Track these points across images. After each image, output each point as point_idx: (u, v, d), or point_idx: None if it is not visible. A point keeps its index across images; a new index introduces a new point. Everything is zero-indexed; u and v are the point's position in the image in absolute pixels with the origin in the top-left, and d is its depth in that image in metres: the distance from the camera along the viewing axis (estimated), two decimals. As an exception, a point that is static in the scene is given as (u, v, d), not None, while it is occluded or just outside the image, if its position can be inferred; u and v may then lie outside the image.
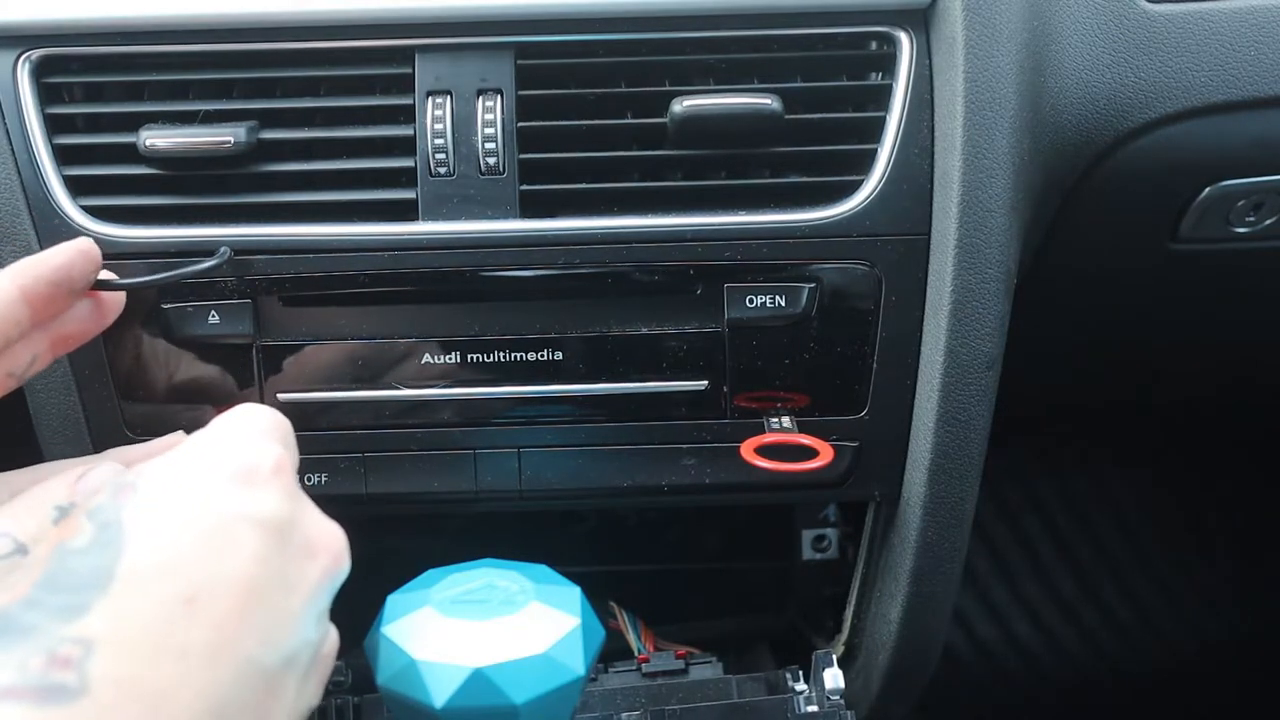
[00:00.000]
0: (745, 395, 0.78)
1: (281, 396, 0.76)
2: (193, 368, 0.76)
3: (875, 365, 0.77)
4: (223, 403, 0.76)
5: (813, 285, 0.76)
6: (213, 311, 0.74)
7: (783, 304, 0.76)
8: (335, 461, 0.78)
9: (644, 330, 0.77)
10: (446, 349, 0.77)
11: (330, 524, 0.53)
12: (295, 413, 0.76)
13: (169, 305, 0.74)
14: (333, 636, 0.55)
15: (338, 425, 0.78)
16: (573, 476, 0.79)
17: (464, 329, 0.77)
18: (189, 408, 0.76)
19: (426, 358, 0.77)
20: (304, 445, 0.77)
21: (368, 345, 0.76)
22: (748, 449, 0.75)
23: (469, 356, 0.77)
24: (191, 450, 0.50)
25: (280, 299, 0.75)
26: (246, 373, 0.76)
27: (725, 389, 0.77)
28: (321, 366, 0.77)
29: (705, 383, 0.77)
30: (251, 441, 0.51)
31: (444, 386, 0.77)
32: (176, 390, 0.76)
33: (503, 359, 0.77)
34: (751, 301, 0.76)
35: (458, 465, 0.78)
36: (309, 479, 0.78)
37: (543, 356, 0.77)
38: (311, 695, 0.52)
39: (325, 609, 0.51)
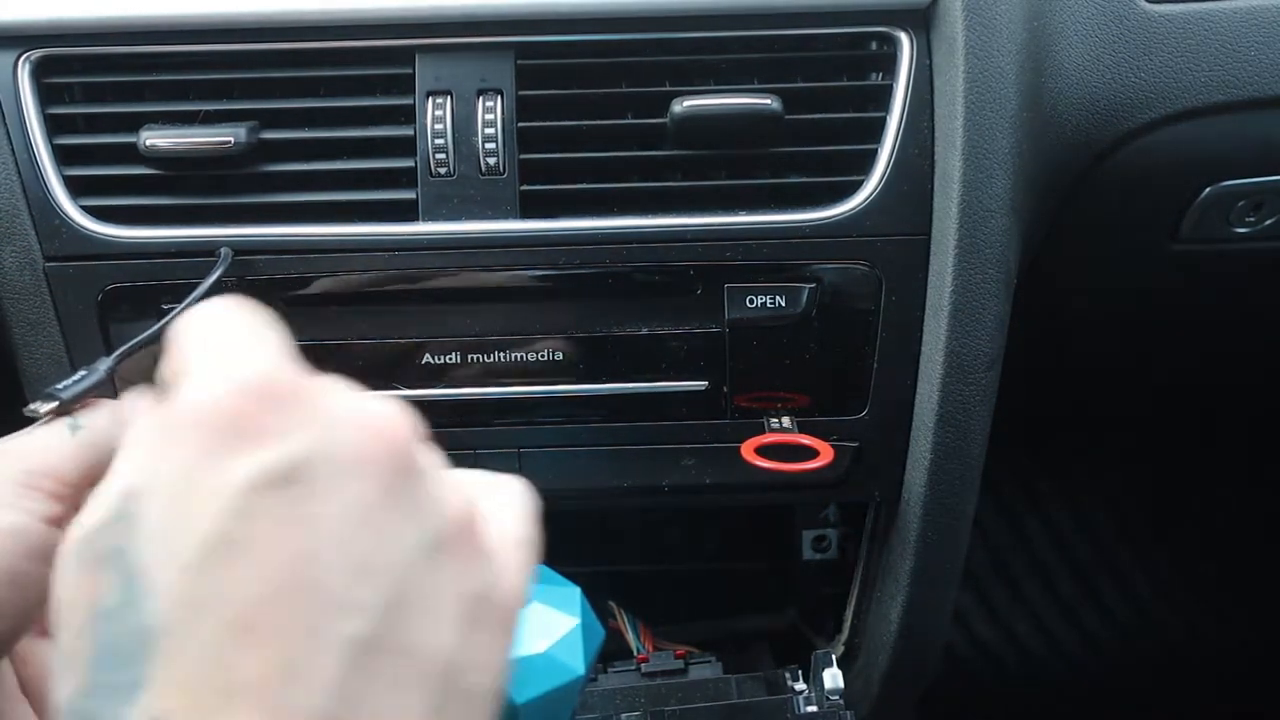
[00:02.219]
0: (745, 395, 0.78)
1: None
2: None
3: (875, 365, 0.77)
4: None
5: (813, 286, 0.76)
6: None
7: (783, 304, 0.76)
8: None
9: (644, 330, 0.77)
10: (446, 349, 0.77)
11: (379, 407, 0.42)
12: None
13: (169, 306, 0.74)
14: (463, 511, 0.42)
15: None
16: (573, 477, 0.79)
17: (464, 329, 0.76)
18: None
19: (426, 358, 0.77)
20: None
21: (367, 346, 0.76)
22: (748, 449, 0.75)
23: (469, 357, 0.77)
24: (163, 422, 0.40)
25: (280, 300, 0.75)
26: None
27: (725, 389, 0.77)
28: (320, 368, 0.76)
29: (705, 383, 0.77)
30: (222, 378, 0.40)
31: (444, 387, 0.77)
32: None
33: (503, 359, 0.77)
34: (752, 302, 0.76)
35: (458, 466, 0.78)
36: None
37: (543, 357, 0.77)
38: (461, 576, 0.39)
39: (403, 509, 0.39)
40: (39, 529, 0.48)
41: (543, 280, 0.75)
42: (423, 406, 0.76)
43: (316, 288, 0.75)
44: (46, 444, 0.51)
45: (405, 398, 0.76)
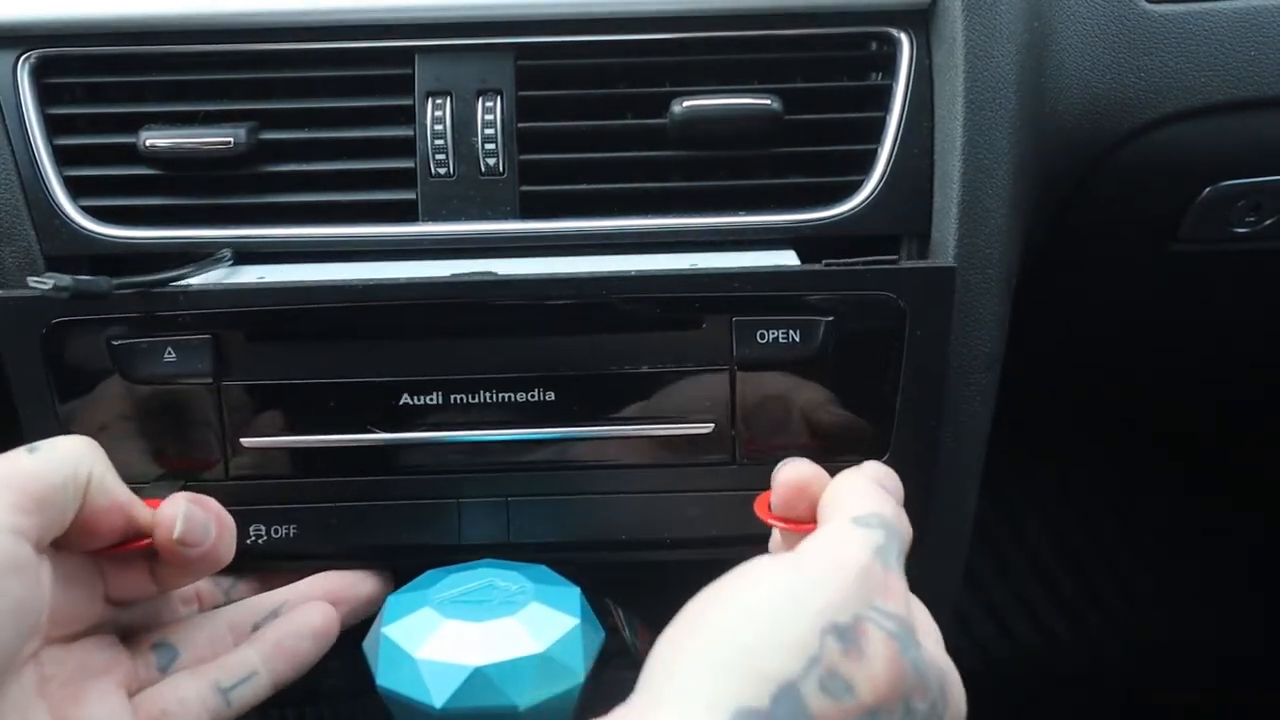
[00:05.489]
0: (755, 439, 0.71)
1: (246, 441, 0.70)
2: (147, 409, 0.70)
3: (899, 401, 0.71)
4: (182, 447, 0.70)
5: (830, 320, 0.69)
6: (169, 348, 0.68)
7: (797, 340, 0.69)
8: (303, 513, 0.71)
9: (644, 368, 0.70)
10: (426, 388, 0.69)
11: None
12: (260, 460, 0.70)
13: (120, 341, 0.68)
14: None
15: (306, 473, 0.71)
16: (567, 528, 0.72)
17: (446, 366, 0.69)
18: (144, 454, 0.70)
19: (405, 398, 0.69)
20: (269, 495, 0.71)
21: (340, 384, 0.69)
22: (761, 507, 0.66)
23: (452, 397, 0.69)
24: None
25: (243, 334, 0.69)
26: (206, 414, 0.70)
27: (733, 433, 0.71)
28: (289, 408, 0.70)
29: (711, 425, 0.70)
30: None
31: (424, 430, 0.70)
32: (131, 434, 0.70)
33: (489, 399, 0.70)
34: (763, 337, 0.69)
35: (439, 516, 0.71)
36: (275, 531, 0.71)
37: (533, 397, 0.70)
38: None
39: None
40: (23, 547, 0.51)
41: (539, 308, 0.69)
42: (400, 452, 0.71)
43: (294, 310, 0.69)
44: (16, 465, 0.53)
45: (381, 442, 0.70)
